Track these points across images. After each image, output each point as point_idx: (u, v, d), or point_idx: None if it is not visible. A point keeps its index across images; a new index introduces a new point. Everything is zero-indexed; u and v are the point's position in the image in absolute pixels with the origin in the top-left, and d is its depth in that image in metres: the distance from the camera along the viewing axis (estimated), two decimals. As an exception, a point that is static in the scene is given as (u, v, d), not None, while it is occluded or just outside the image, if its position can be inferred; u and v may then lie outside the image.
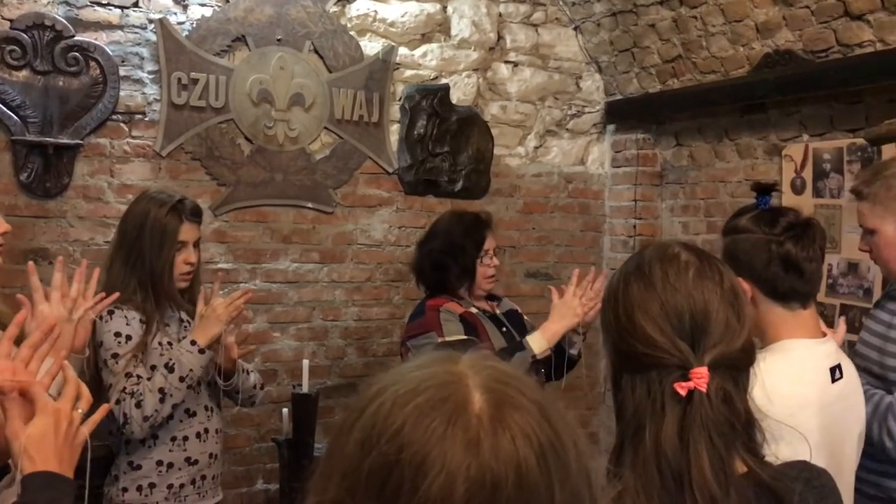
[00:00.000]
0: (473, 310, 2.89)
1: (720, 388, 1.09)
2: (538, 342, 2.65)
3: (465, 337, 2.72)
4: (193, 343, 2.34)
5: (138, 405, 2.26)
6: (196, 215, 2.51)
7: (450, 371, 0.73)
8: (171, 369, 2.30)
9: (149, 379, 2.30)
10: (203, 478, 2.47)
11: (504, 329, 2.88)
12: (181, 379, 2.31)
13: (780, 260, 1.71)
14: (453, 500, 0.65)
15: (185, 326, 2.48)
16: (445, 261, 2.86)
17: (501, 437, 0.68)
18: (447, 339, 2.72)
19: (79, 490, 1.34)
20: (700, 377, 1.08)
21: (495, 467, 0.66)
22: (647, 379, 1.11)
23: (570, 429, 0.73)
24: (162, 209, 2.40)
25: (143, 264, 2.37)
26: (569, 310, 2.68)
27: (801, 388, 1.64)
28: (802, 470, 1.20)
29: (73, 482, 1.30)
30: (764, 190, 1.82)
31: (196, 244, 2.50)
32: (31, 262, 2.04)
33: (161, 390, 2.29)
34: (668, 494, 1.06)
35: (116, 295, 2.17)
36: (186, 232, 2.44)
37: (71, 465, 1.31)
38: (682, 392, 1.08)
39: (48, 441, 1.28)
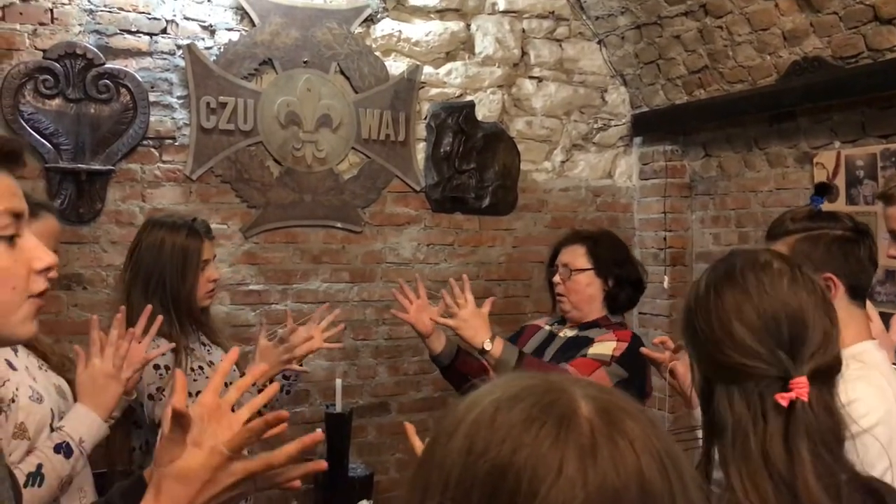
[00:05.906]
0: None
1: (820, 397, 1.08)
2: None
3: None
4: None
5: None
6: (209, 232, 2.48)
7: (548, 380, 0.70)
8: None
9: None
10: None
11: None
12: None
13: (867, 257, 1.69)
14: None
15: (208, 350, 2.43)
16: None
17: (620, 442, 0.64)
18: None
19: None
20: (801, 387, 1.06)
21: (616, 476, 0.62)
22: (744, 390, 1.09)
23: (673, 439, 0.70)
24: (179, 233, 2.35)
25: (165, 290, 2.31)
26: None
27: (888, 393, 1.62)
28: (882, 484, 1.17)
29: None
30: (825, 191, 1.80)
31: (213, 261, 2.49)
32: (95, 317, 1.98)
33: None
34: None
35: (170, 346, 2.22)
36: (207, 250, 2.41)
37: None
38: (784, 403, 1.06)
39: (186, 492, 1.05)
